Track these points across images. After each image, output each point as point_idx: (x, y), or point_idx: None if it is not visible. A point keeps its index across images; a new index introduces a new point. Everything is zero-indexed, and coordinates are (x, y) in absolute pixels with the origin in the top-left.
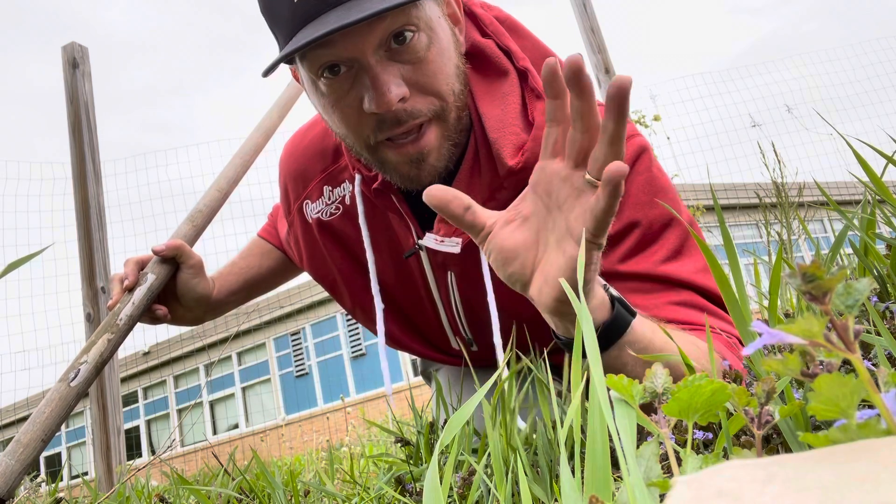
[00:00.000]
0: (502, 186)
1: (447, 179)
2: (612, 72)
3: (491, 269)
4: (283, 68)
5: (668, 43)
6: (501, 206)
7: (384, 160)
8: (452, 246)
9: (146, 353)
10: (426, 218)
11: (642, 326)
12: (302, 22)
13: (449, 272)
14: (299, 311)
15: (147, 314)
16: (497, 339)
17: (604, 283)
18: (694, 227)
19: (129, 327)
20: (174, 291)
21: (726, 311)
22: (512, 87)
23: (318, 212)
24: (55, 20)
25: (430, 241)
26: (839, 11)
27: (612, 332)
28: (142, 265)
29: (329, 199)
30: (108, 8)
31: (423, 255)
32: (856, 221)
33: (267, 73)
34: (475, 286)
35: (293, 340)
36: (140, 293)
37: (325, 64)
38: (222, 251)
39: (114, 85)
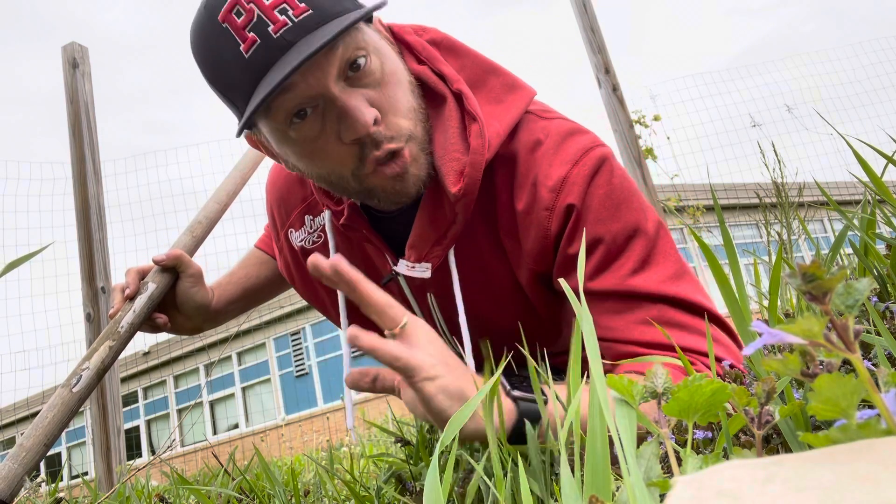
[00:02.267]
0: (455, 211)
1: (417, 202)
2: (613, 72)
3: (467, 286)
4: None
5: (668, 43)
6: (461, 229)
7: (371, 187)
8: (423, 271)
9: (146, 353)
10: (399, 243)
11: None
12: (258, 74)
13: (429, 294)
14: (299, 311)
15: (147, 322)
16: (469, 359)
17: (507, 388)
18: (662, 232)
19: (129, 335)
20: (174, 300)
21: (700, 316)
22: (451, 112)
23: (302, 240)
24: (55, 21)
25: (402, 267)
26: (837, 13)
27: (522, 429)
28: (142, 274)
29: (311, 227)
30: (107, 9)
31: (401, 279)
32: (856, 221)
33: (239, 134)
34: (455, 304)
35: (293, 340)
36: (140, 302)
37: (293, 109)
38: (222, 251)
39: (113, 86)
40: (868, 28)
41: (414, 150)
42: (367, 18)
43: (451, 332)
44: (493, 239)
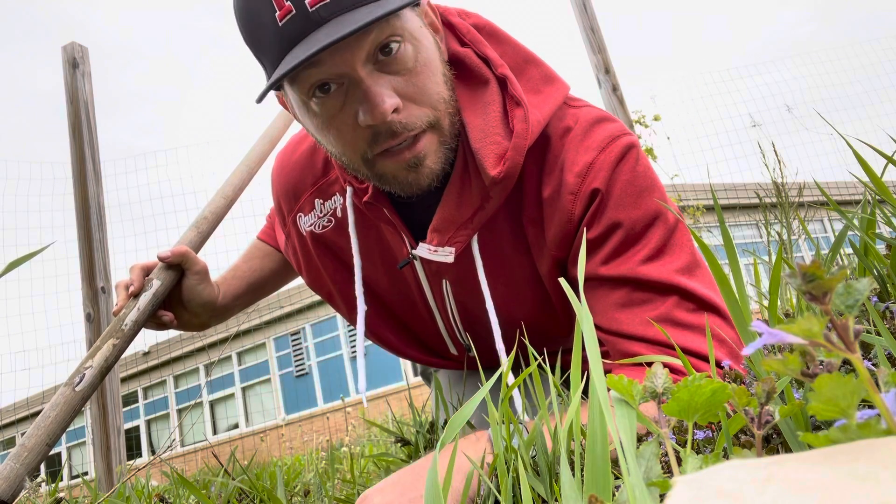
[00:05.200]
0: (489, 196)
1: (440, 186)
2: (613, 72)
3: (487, 275)
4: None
5: (669, 43)
6: (490, 214)
7: (381, 173)
8: (446, 255)
9: (146, 353)
10: (419, 227)
11: None
12: (288, 44)
13: (444, 280)
14: (299, 311)
15: (153, 320)
16: (500, 345)
17: None
18: (681, 225)
19: (134, 333)
20: (180, 297)
21: (708, 313)
22: (493, 96)
23: (311, 224)
24: (55, 21)
25: (423, 250)
26: (834, 14)
27: None
28: (147, 271)
29: (321, 211)
30: (107, 10)
31: (417, 264)
32: (856, 221)
33: (259, 99)
34: (471, 292)
35: (293, 340)
36: (145, 299)
37: (316, 83)
38: (222, 251)
39: (113, 87)
40: (861, 31)
41: (433, 142)
42: (413, 3)
43: (463, 322)
44: (515, 228)
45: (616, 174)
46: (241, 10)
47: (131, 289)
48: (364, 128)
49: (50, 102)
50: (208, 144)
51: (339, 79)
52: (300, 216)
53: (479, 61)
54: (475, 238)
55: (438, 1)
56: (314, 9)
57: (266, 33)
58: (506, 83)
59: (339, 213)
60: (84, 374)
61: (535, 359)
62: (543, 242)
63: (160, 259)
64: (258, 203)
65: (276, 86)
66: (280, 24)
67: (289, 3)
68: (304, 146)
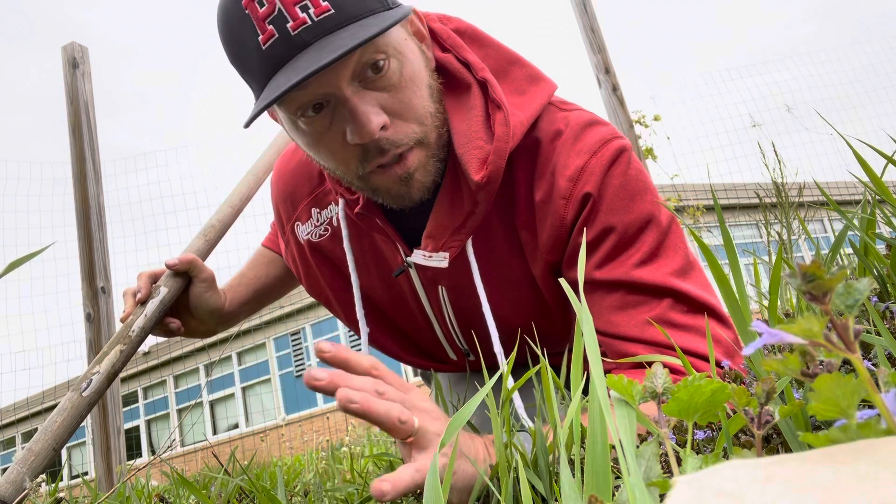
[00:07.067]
0: (477, 200)
1: (431, 194)
2: (613, 72)
3: (482, 279)
4: None
5: (668, 43)
6: (480, 218)
7: (375, 187)
8: (440, 261)
9: (146, 353)
10: (412, 235)
11: None
12: (272, 69)
13: (440, 286)
14: (299, 311)
15: (160, 327)
16: (498, 349)
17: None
18: (674, 227)
19: (140, 339)
20: (187, 304)
21: (703, 315)
22: (475, 100)
23: (308, 233)
24: (55, 21)
25: (418, 257)
26: (833, 14)
27: None
28: (154, 278)
29: (318, 220)
30: (106, 11)
31: (412, 272)
32: (856, 221)
33: (247, 125)
34: (467, 297)
35: (293, 340)
36: (152, 306)
37: (305, 104)
38: (222, 251)
39: (113, 87)
40: (860, 32)
41: (421, 157)
42: (397, 21)
43: (461, 327)
44: (509, 232)
45: (608, 178)
46: (225, 33)
47: (139, 296)
48: (353, 145)
49: (50, 102)
50: (208, 144)
51: (325, 98)
52: (298, 225)
53: (459, 66)
54: (469, 242)
55: (418, 6)
56: (296, 32)
57: (251, 57)
58: (486, 87)
59: (335, 223)
60: (91, 380)
61: (538, 360)
62: (536, 246)
63: (168, 266)
64: (258, 203)
65: (257, 115)
66: (264, 49)
67: (271, 27)
68: (301, 154)
